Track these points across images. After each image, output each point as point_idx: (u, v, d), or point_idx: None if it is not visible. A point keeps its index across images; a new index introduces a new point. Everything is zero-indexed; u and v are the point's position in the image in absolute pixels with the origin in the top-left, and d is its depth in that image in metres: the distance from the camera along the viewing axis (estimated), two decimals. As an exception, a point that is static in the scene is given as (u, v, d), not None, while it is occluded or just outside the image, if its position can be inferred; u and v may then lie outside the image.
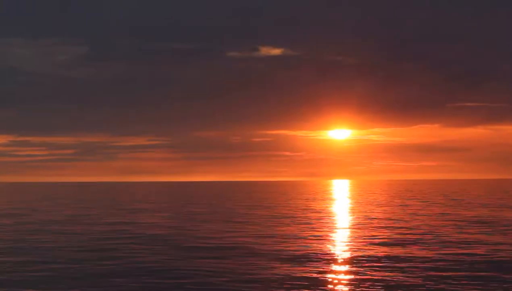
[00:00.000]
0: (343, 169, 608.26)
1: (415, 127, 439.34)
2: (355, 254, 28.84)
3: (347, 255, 28.59)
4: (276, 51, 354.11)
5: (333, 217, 54.55)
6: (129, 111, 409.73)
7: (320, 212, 60.94)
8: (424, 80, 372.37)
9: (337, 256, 28.29)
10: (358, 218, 52.31)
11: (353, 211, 63.69)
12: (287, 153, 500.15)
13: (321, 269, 24.46)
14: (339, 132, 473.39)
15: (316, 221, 48.60)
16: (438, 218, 50.84)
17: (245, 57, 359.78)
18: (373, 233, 37.99)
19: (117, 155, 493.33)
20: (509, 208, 66.08)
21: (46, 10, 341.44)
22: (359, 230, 40.51)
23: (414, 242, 32.98)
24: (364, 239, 35.09)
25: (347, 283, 21.70)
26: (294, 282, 21.85)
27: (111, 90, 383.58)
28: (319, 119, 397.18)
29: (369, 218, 51.50)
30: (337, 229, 42.26)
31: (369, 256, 27.79)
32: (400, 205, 73.13)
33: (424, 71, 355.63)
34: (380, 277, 22.57)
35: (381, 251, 29.41)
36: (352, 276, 22.96)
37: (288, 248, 31.08)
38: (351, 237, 36.66)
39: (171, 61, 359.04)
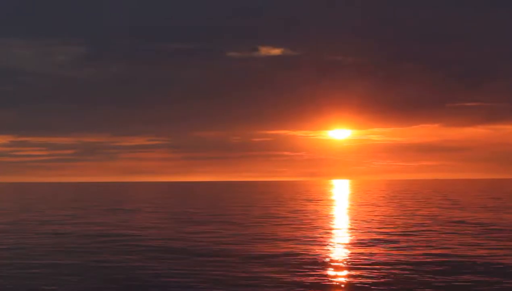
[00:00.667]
0: (343, 169, 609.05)
1: (415, 127, 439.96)
2: (336, 256, 28.37)
3: (329, 256, 28.11)
4: (276, 51, 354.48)
5: (326, 218, 54.02)
6: (129, 111, 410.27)
7: (315, 213, 60.51)
8: (424, 80, 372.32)
9: (319, 258, 27.79)
10: (351, 219, 51.90)
11: (347, 212, 63.32)
12: (287, 153, 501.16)
13: (299, 270, 23.99)
14: (339, 132, 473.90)
15: (311, 221, 48.12)
16: (430, 218, 50.32)
17: (245, 57, 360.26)
18: (362, 235, 37.50)
19: (117, 155, 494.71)
20: (505, 208, 65.46)
21: (46, 10, 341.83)
22: (348, 231, 40.10)
23: (398, 242, 32.53)
24: (350, 240, 34.67)
25: (322, 286, 21.22)
26: (268, 284, 21.37)
27: (111, 90, 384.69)
28: (319, 119, 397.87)
29: (362, 219, 51.05)
30: (328, 230, 41.70)
31: (350, 258, 27.33)
32: (396, 206, 72.62)
33: (424, 71, 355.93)
34: (357, 280, 22.09)
35: (368, 252, 28.92)
36: (330, 278, 22.51)
37: (270, 250, 30.59)
38: (338, 237, 36.17)
39: (171, 61, 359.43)
